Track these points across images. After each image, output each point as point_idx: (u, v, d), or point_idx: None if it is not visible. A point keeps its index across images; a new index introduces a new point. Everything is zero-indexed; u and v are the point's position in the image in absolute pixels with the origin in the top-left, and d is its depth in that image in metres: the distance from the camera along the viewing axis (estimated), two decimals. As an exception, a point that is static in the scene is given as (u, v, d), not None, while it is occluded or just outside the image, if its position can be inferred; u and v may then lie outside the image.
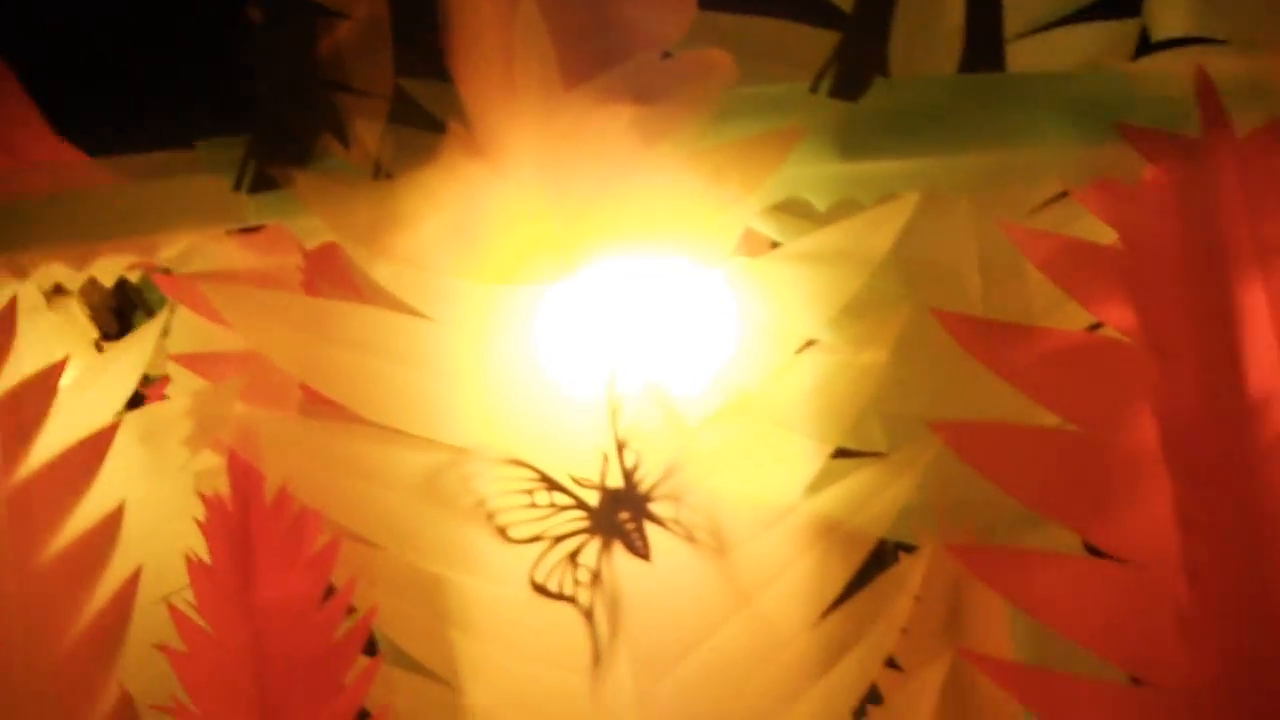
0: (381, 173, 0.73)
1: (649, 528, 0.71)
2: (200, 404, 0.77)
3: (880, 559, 0.76)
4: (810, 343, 0.73)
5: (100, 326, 0.93)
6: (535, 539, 0.71)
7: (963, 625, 0.78)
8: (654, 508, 0.71)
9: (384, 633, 0.73)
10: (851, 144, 0.74)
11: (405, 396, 0.71)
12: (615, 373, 0.71)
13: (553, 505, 0.70)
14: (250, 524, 0.73)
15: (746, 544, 0.72)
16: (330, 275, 0.75)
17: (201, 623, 0.73)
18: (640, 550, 0.70)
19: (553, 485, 0.71)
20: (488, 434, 0.71)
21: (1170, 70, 0.76)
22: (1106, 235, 0.76)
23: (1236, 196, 0.75)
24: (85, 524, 0.77)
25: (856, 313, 0.74)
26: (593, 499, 0.70)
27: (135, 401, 0.81)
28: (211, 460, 0.76)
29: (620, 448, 0.71)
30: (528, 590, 0.70)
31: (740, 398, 0.72)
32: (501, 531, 0.71)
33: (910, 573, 0.74)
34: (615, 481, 0.70)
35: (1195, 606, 0.73)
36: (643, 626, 0.71)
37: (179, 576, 0.74)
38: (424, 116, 0.72)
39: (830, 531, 0.73)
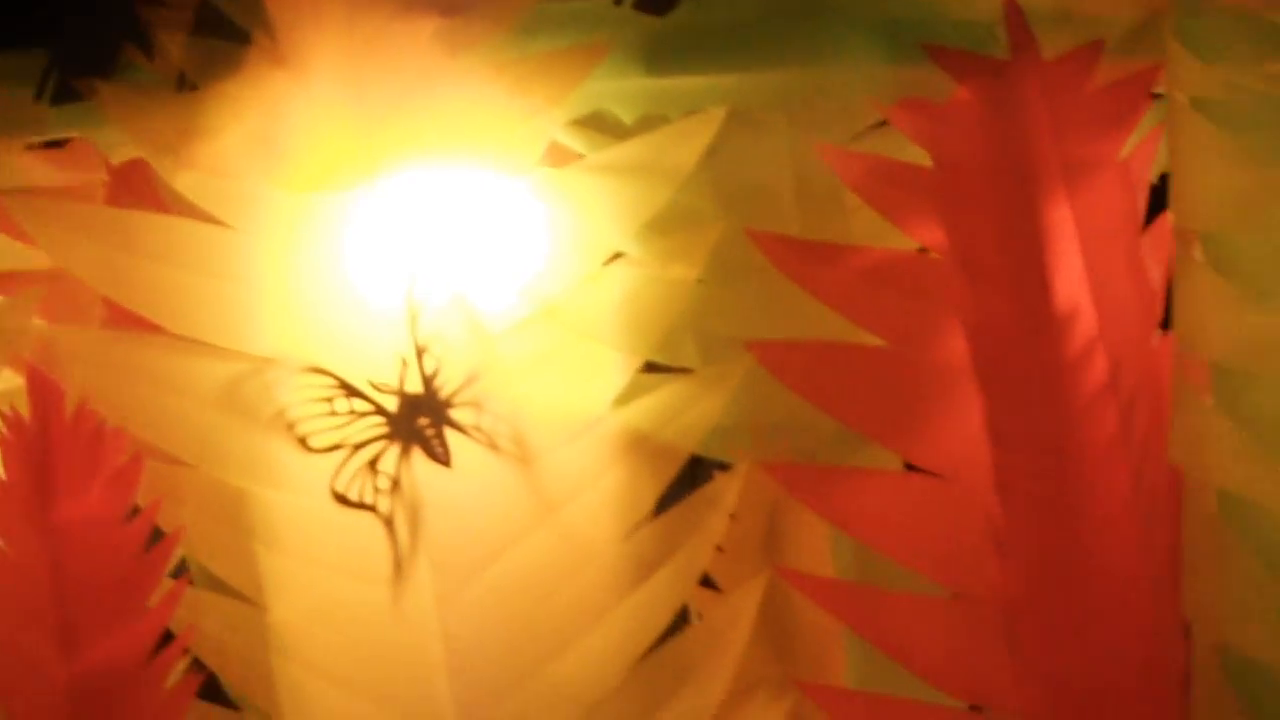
0: (186, 84, 0.73)
1: (450, 435, 0.70)
2: (-5, 319, 0.77)
3: (697, 478, 0.75)
4: (618, 256, 0.74)
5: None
6: (335, 447, 0.70)
7: (781, 544, 0.77)
8: (455, 414, 0.70)
9: (190, 553, 0.72)
10: (658, 59, 0.74)
11: (207, 306, 0.70)
12: (415, 279, 0.70)
13: (352, 412, 0.70)
14: (49, 441, 0.72)
15: (552, 454, 0.71)
16: (135, 190, 0.75)
17: (-3, 543, 0.72)
18: (440, 456, 0.70)
19: (352, 392, 0.70)
20: (289, 342, 0.70)
21: (981, -7, 0.77)
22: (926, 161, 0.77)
23: (1043, 118, 0.75)
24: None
25: (666, 228, 0.74)
26: (392, 405, 0.70)
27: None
28: (15, 381, 0.75)
29: (420, 354, 0.70)
30: (330, 501, 0.70)
31: (545, 308, 0.72)
32: (302, 441, 0.70)
33: (725, 491, 0.73)
34: (415, 387, 0.70)
35: (1006, 519, 0.73)
36: (444, 534, 0.70)
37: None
38: (228, 27, 0.72)
39: (639, 445, 0.73)
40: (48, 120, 0.74)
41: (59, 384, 0.71)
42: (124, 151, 0.74)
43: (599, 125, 0.74)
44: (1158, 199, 0.77)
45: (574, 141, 0.74)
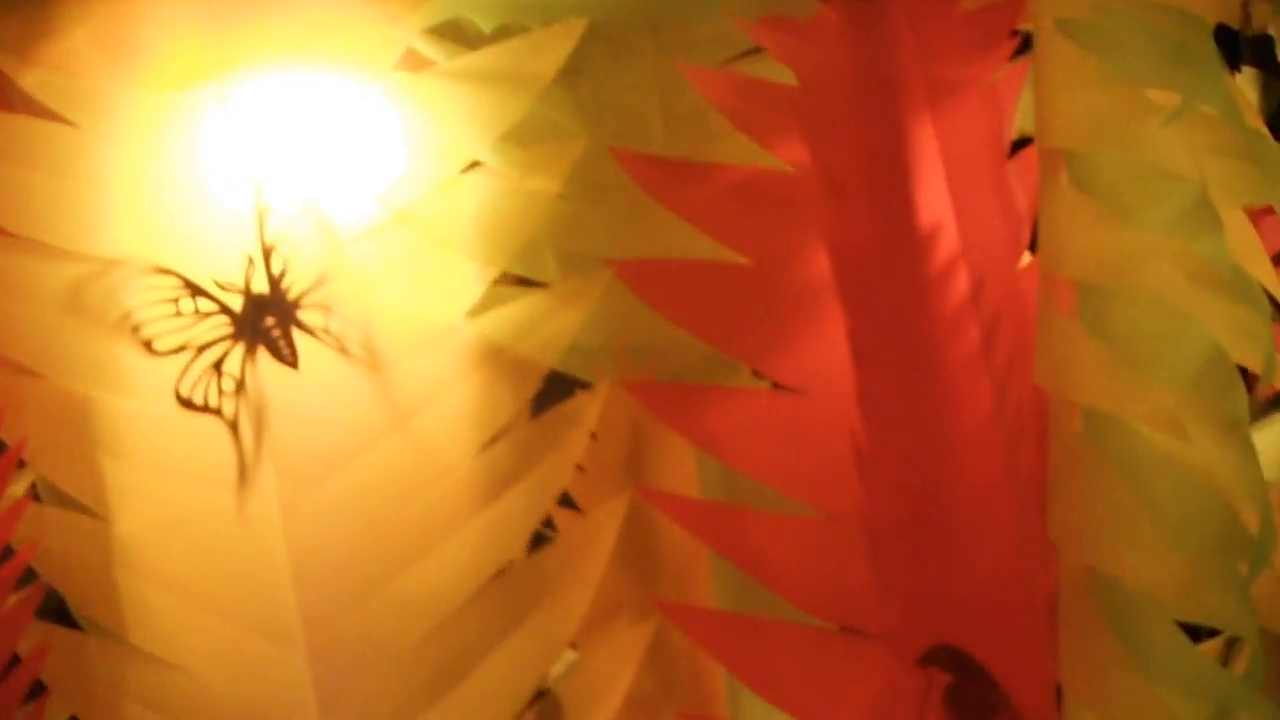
0: (32, -17, 0.72)
1: (299, 338, 0.69)
2: None
3: (558, 396, 0.74)
4: (475, 165, 0.73)
5: None
6: (180, 349, 0.68)
7: (644, 465, 0.76)
8: (302, 315, 0.69)
9: (34, 465, 0.70)
10: (519, -32, 0.74)
11: (52, 207, 0.68)
12: (264, 180, 0.69)
13: (197, 313, 0.69)
14: (-117, 350, 0.70)
15: (404, 362, 0.70)
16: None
17: None
18: (287, 358, 0.68)
19: (197, 291, 0.68)
20: (136, 243, 0.69)
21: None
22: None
23: (908, 39, 0.75)
24: None
25: (525, 140, 0.73)
26: (237, 305, 0.68)
27: None
28: None
29: (267, 254, 0.69)
30: (175, 406, 0.69)
31: (399, 214, 0.70)
32: (147, 344, 0.69)
33: (585, 409, 0.72)
34: (261, 288, 0.68)
35: (869, 437, 0.73)
36: (290, 438, 0.69)
37: None
38: (76, -75, 0.71)
39: (495, 357, 0.71)
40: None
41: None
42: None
43: (457, 35, 0.74)
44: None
45: (430, 49, 0.73)
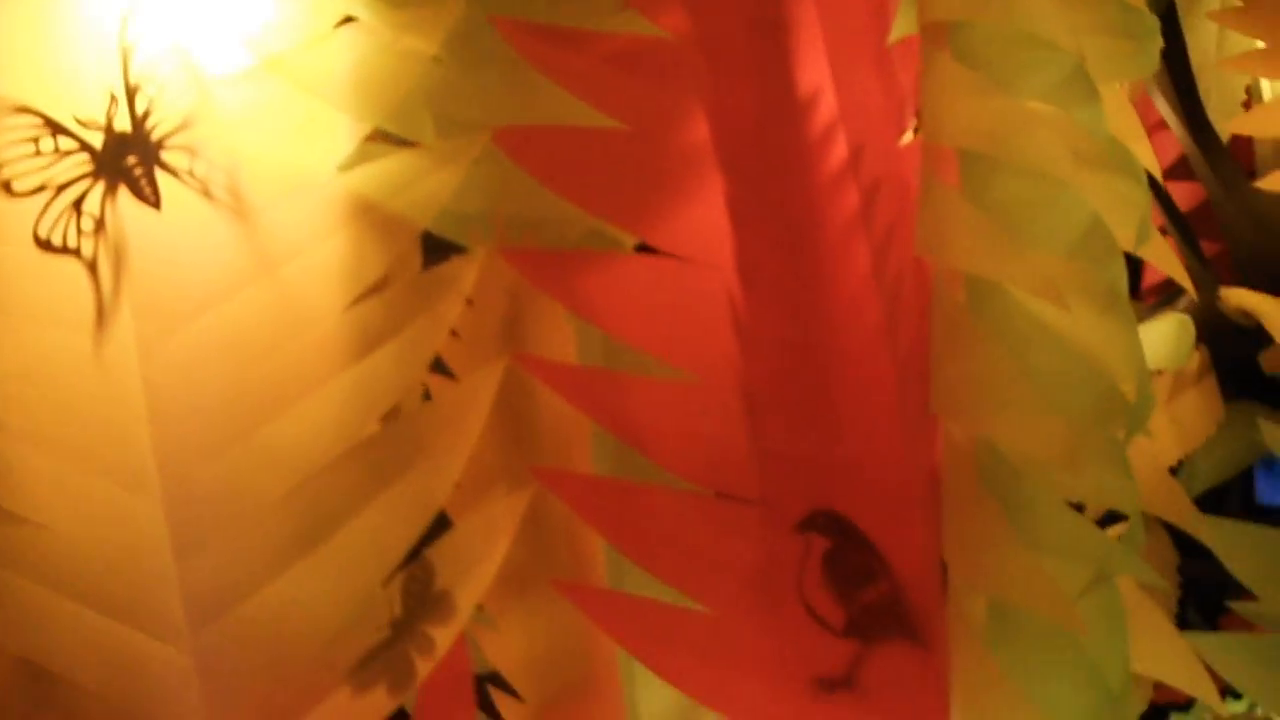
0: None
1: (162, 179, 0.67)
2: None
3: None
4: (348, 19, 0.72)
5: None
6: (39, 189, 0.67)
7: (522, 334, 0.75)
8: (166, 156, 0.67)
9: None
10: None
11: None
12: (129, 17, 0.67)
13: (57, 151, 0.67)
14: None
15: (270, 210, 0.68)
16: None
17: None
18: (148, 197, 0.67)
19: (57, 129, 0.67)
20: (-5, 81, 0.69)
21: None
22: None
23: (789, -97, 0.75)
24: None
25: (402, 1, 0.73)
26: (98, 142, 0.67)
27: None
28: None
29: (131, 92, 0.67)
30: (34, 249, 0.67)
31: (270, 60, 0.69)
32: (5, 185, 0.67)
33: (460, 273, 0.70)
34: (124, 126, 0.67)
35: (746, 301, 0.72)
36: (149, 279, 0.67)
37: None
38: None
39: (365, 212, 0.70)
40: None
41: None
42: None
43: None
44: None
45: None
